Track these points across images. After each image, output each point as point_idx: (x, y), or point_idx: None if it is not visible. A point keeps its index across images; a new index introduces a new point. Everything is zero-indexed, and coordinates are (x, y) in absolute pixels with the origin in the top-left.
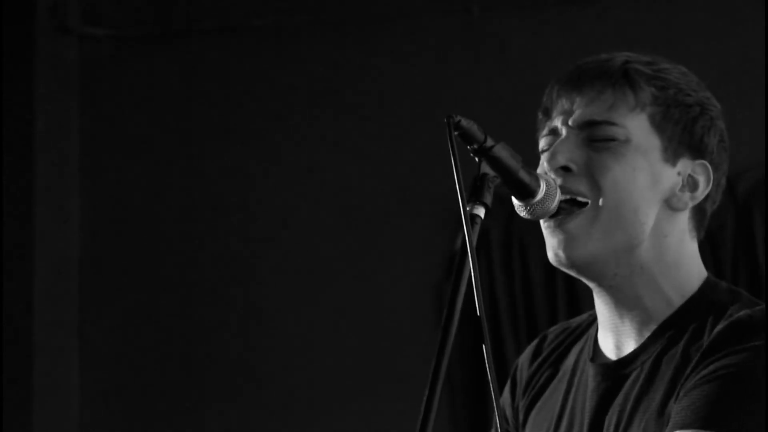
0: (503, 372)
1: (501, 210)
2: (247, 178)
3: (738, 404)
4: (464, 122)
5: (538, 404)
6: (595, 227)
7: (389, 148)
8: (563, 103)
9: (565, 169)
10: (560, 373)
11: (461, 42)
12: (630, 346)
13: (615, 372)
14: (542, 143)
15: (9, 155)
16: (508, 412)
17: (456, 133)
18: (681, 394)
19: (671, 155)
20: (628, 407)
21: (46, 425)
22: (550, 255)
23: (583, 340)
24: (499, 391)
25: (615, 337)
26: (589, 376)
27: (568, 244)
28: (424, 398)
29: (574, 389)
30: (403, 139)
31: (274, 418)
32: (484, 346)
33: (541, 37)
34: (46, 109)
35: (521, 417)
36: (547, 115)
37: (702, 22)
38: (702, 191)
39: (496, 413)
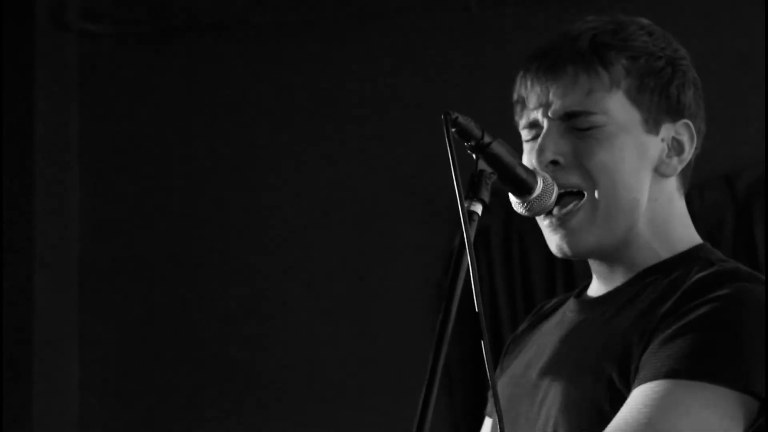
0: None
1: (500, 206)
2: (247, 177)
3: (725, 354)
4: (461, 119)
5: (518, 349)
6: (596, 219)
7: (388, 146)
8: (539, 93)
9: (554, 163)
10: (542, 322)
11: (460, 39)
12: (613, 287)
13: (592, 307)
14: (524, 134)
15: (9, 153)
16: None
17: (453, 129)
18: (661, 338)
19: (653, 125)
20: (591, 330)
21: (46, 425)
22: (553, 248)
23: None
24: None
25: (602, 282)
26: (568, 311)
27: (571, 238)
28: (422, 394)
29: (551, 325)
30: (402, 136)
31: (274, 417)
32: (482, 342)
33: (540, 34)
34: (46, 106)
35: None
36: (524, 104)
37: (702, 21)
38: (688, 152)
39: (496, 410)
